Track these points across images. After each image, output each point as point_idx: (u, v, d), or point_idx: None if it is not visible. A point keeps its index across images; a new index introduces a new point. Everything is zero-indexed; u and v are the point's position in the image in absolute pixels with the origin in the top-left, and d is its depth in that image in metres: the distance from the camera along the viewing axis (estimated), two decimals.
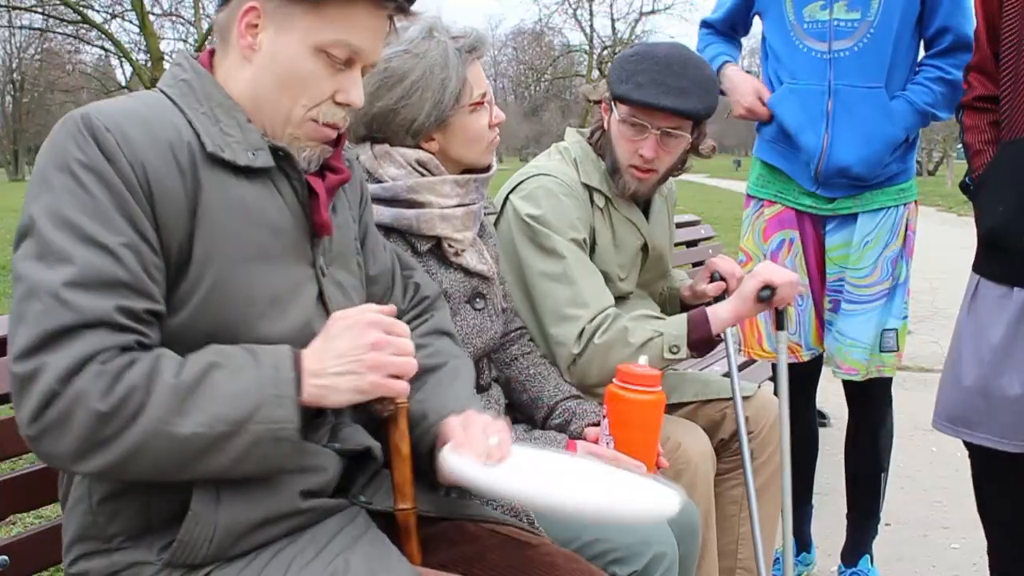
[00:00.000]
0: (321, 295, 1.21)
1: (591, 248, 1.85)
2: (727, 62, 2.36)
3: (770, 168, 2.35)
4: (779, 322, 1.93)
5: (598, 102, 1.90)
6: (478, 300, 1.65)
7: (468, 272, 1.62)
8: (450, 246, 1.59)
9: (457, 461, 1.16)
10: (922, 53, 2.25)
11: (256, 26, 1.13)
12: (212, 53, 1.21)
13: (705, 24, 2.49)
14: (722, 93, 2.36)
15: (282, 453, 1.05)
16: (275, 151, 1.15)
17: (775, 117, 2.25)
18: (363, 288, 1.35)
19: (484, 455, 1.17)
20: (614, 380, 1.56)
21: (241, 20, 1.13)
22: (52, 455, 0.99)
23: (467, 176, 1.61)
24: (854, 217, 2.25)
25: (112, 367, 0.97)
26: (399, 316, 1.41)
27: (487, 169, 1.66)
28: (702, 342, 1.75)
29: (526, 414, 1.78)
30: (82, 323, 0.97)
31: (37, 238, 1.00)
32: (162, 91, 1.15)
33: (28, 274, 0.99)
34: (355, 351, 1.09)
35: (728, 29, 2.43)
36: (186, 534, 1.07)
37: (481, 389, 1.69)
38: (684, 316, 1.76)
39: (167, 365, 1.01)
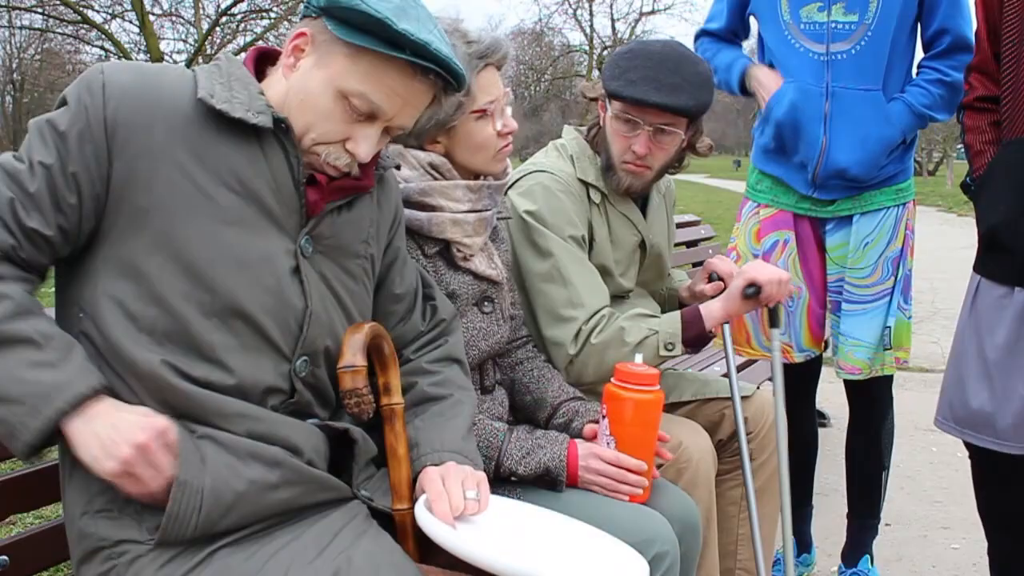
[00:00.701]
0: (297, 270, 1.22)
1: (589, 244, 1.85)
2: (748, 64, 2.32)
3: (766, 175, 2.35)
4: (772, 320, 1.94)
5: (595, 99, 1.90)
6: (486, 304, 1.66)
7: (477, 276, 1.63)
8: (458, 251, 1.59)
9: (428, 521, 1.17)
10: (920, 54, 2.25)
11: (303, 51, 1.18)
12: (258, 51, 1.27)
13: (706, 33, 2.45)
14: (748, 94, 2.34)
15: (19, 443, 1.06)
16: (277, 122, 1.17)
17: (774, 116, 2.24)
18: (368, 295, 1.36)
19: (459, 509, 1.19)
20: (613, 379, 1.56)
21: (292, 40, 1.19)
22: None
23: (480, 182, 1.60)
24: (852, 217, 2.25)
25: None
26: (417, 337, 1.45)
27: (502, 174, 1.66)
28: (696, 339, 1.76)
29: (529, 415, 1.78)
30: None
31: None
32: (193, 71, 1.21)
33: None
34: (125, 436, 1.07)
35: (731, 36, 2.41)
36: (175, 505, 1.08)
37: (485, 391, 1.69)
38: (677, 314, 1.77)
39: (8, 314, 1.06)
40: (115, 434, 1.06)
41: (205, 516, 1.10)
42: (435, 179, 1.57)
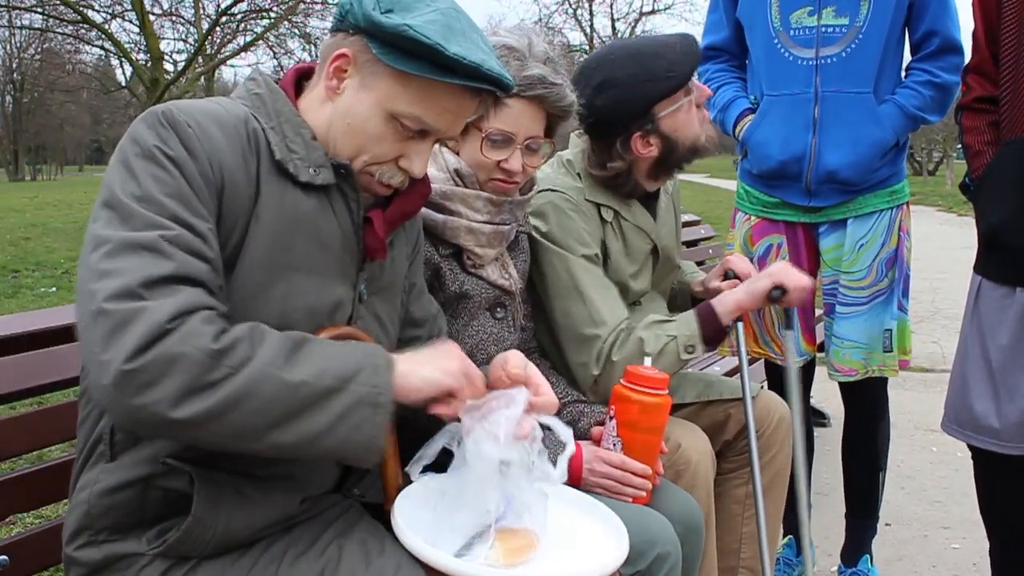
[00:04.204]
0: (350, 321, 1.21)
1: (603, 261, 1.84)
2: (744, 110, 2.29)
3: (754, 189, 2.35)
4: (788, 321, 1.94)
5: None
6: (499, 309, 1.66)
7: (490, 283, 1.63)
8: (469, 258, 1.59)
9: (401, 530, 1.14)
10: (907, 57, 2.25)
11: (345, 71, 1.14)
12: (298, 72, 1.23)
13: (712, 49, 2.40)
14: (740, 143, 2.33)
15: (375, 424, 1.01)
16: (337, 168, 1.15)
17: (753, 151, 2.25)
18: (399, 325, 1.36)
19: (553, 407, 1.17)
20: (623, 380, 1.56)
21: (332, 62, 1.15)
22: (145, 401, 0.93)
23: (502, 197, 1.60)
24: (846, 220, 2.24)
25: (219, 320, 0.99)
26: None
27: (527, 190, 1.65)
28: (715, 336, 1.75)
29: None
30: (184, 275, 0.98)
31: (123, 212, 1.00)
32: (247, 109, 1.16)
33: (117, 236, 0.98)
34: (444, 359, 1.11)
35: (738, 49, 2.36)
36: (186, 536, 1.08)
37: None
38: (691, 314, 1.76)
39: (267, 328, 1.03)
40: (437, 363, 1.09)
41: (213, 548, 1.11)
42: (457, 185, 1.57)
